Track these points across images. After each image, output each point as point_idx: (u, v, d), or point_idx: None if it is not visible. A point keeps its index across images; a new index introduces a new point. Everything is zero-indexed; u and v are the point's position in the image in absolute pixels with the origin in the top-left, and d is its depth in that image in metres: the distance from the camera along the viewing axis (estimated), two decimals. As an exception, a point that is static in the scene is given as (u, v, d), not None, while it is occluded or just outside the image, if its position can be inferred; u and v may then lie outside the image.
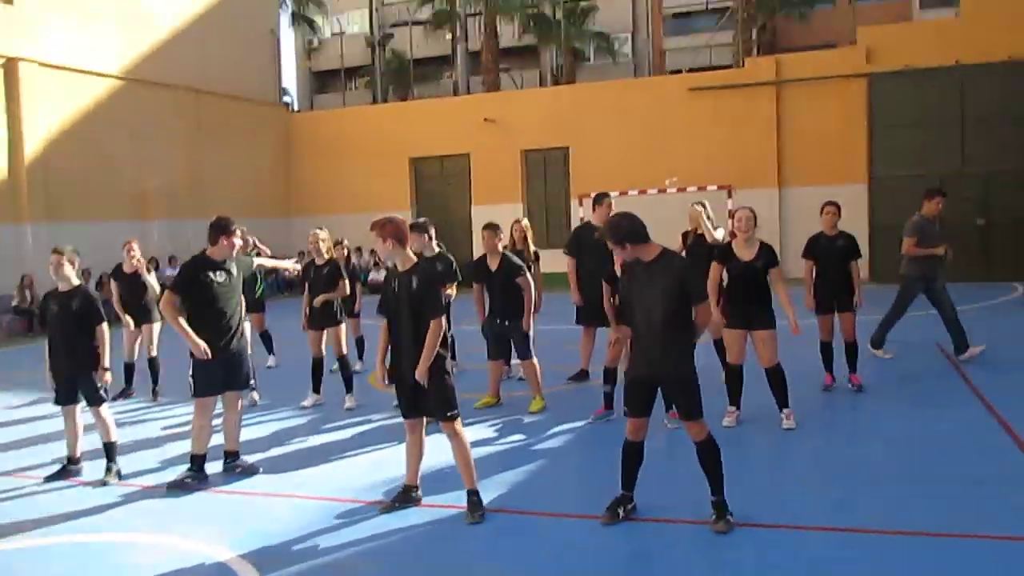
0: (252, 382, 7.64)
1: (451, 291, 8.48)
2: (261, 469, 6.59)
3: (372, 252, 23.81)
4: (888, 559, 4.51)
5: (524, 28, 33.17)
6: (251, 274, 7.03)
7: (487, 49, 30.17)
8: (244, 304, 6.94)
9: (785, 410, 7.22)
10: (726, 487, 5.02)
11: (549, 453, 6.93)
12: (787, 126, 20.96)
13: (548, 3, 33.36)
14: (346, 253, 10.79)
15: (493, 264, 8.22)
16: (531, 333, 8.29)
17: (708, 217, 8.66)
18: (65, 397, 6.49)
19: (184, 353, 6.26)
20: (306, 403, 8.87)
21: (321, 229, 9.00)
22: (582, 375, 9.28)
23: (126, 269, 9.37)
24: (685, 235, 8.93)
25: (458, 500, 5.55)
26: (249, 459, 6.73)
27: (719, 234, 8.61)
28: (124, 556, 5.06)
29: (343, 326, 8.95)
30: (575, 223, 21.86)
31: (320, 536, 5.19)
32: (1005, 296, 15.85)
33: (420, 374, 5.19)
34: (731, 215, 7.29)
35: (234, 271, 6.45)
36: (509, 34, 33.52)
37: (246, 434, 7.03)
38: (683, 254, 8.09)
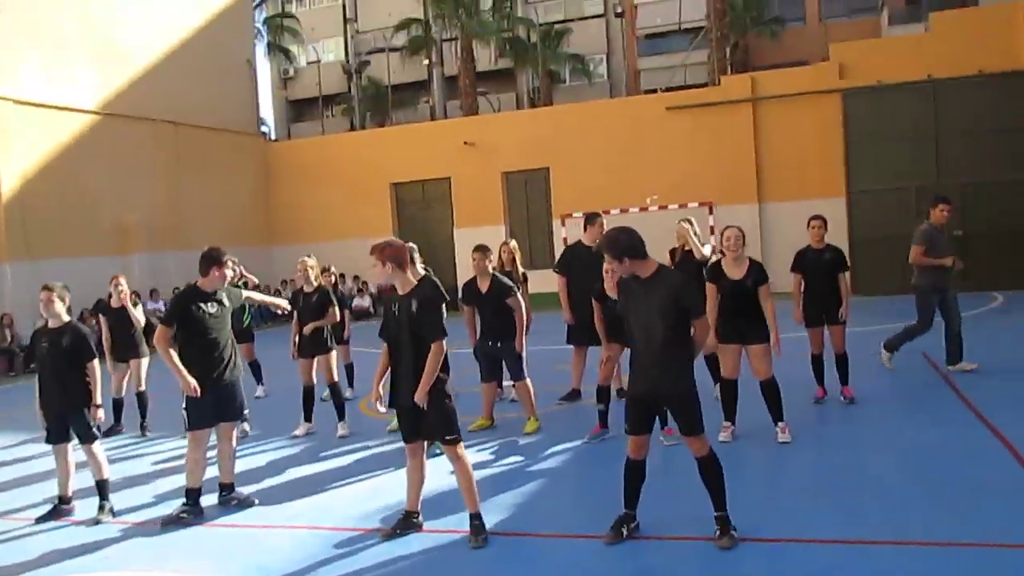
0: (245, 412, 7.57)
1: None
2: (257, 501, 6.51)
3: (356, 278, 23.78)
4: (895, 570, 4.52)
5: (500, 52, 33.46)
6: (240, 305, 6.99)
7: (464, 73, 30.35)
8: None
9: (780, 423, 7.25)
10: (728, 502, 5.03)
11: (548, 474, 6.90)
12: (765, 142, 21.18)
13: (523, 27, 33.70)
14: (334, 280, 10.75)
15: (483, 286, 8.21)
16: (523, 354, 8.28)
17: (695, 233, 8.73)
18: (56, 435, 6.38)
19: (172, 387, 6.19)
20: (298, 432, 8.80)
21: (309, 256, 8.97)
22: (574, 395, 9.25)
23: (113, 304, 9.28)
24: (673, 252, 8.98)
25: (460, 524, 5.52)
26: (244, 491, 6.65)
27: (707, 250, 8.68)
28: (122, 595, 4.98)
29: (333, 353, 8.90)
30: (557, 243, 22.00)
31: (321, 567, 5.12)
32: (985, 305, 16.04)
33: (419, 397, 5.16)
34: (721, 234, 7.32)
35: (226, 302, 6.41)
36: (485, 58, 33.77)
37: (239, 466, 6.95)
38: (672, 271, 8.11)
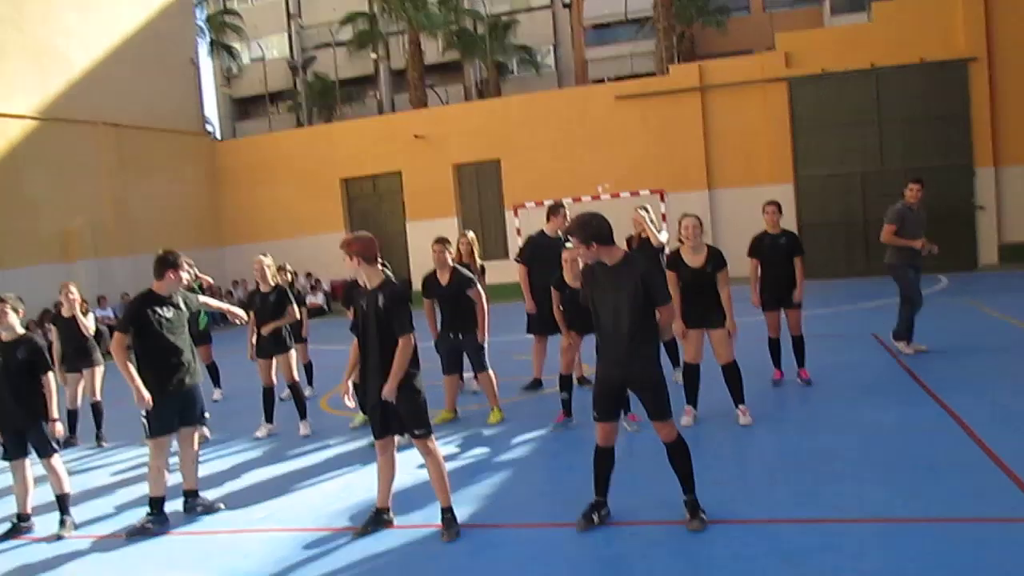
0: (205, 416, 7.46)
1: None
2: (223, 506, 6.41)
3: (308, 275, 23.53)
4: (860, 546, 4.63)
5: (448, 44, 33.32)
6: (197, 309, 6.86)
7: (412, 66, 30.17)
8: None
9: (741, 406, 7.38)
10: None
11: (515, 464, 6.93)
12: (713, 130, 21.45)
13: (470, 18, 33.59)
14: (290, 278, 10.62)
15: (444, 278, 8.17)
16: (486, 345, 8.28)
17: (651, 220, 8.82)
18: (13, 451, 6.18)
19: (127, 394, 6.04)
20: (260, 433, 8.69)
21: (265, 255, 8.85)
22: (535, 384, 9.31)
23: (64, 313, 9.02)
24: (629, 240, 9.05)
25: (430, 519, 5.52)
26: (209, 496, 6.55)
27: (663, 236, 8.77)
28: (91, 608, 4.87)
29: (293, 352, 8.81)
30: (510, 234, 22.05)
31: (295, 569, 5.07)
32: (930, 288, 16.42)
33: (388, 393, 5.14)
34: (679, 223, 7.39)
35: (182, 306, 6.30)
36: (432, 51, 33.61)
37: (202, 471, 6.81)
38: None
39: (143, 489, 6.41)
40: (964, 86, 19.68)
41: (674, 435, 5.06)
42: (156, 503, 6.11)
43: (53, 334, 9.26)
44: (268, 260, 8.77)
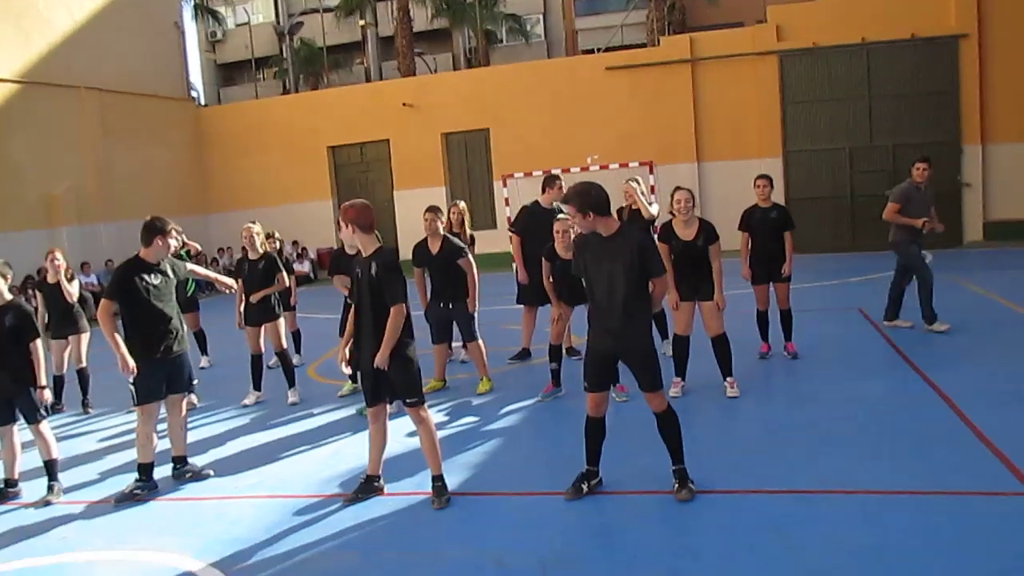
0: (193, 383, 7.43)
1: None
2: (212, 472, 6.42)
3: (295, 243, 23.40)
4: (847, 517, 4.69)
5: (436, 11, 32.94)
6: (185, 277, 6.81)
7: (401, 34, 29.80)
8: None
9: (729, 378, 7.43)
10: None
11: (504, 433, 6.96)
12: (703, 102, 21.35)
13: (459, -14, 33.22)
14: (279, 246, 10.56)
15: (434, 247, 8.12)
16: (476, 315, 8.28)
17: (642, 192, 8.81)
18: (1, 417, 6.16)
19: (113, 361, 6.01)
20: (248, 401, 8.69)
21: (254, 223, 8.78)
22: (524, 354, 9.34)
23: (50, 279, 8.92)
24: (620, 211, 9.03)
25: (420, 486, 5.56)
26: (198, 463, 6.55)
27: (654, 209, 8.78)
28: (85, 576, 4.87)
29: (281, 320, 8.78)
30: (499, 203, 21.97)
31: (287, 535, 5.09)
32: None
33: (380, 361, 5.13)
34: (671, 196, 7.38)
35: (170, 273, 6.25)
36: (421, 18, 33.22)
37: (190, 438, 6.81)
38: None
39: (131, 455, 6.40)
40: (954, 63, 19.65)
41: (665, 406, 5.09)
42: (144, 469, 6.10)
43: (38, 300, 9.17)
44: (257, 227, 8.70)
